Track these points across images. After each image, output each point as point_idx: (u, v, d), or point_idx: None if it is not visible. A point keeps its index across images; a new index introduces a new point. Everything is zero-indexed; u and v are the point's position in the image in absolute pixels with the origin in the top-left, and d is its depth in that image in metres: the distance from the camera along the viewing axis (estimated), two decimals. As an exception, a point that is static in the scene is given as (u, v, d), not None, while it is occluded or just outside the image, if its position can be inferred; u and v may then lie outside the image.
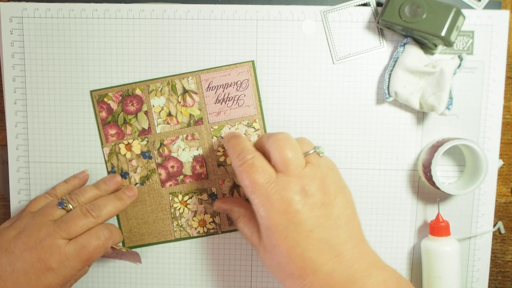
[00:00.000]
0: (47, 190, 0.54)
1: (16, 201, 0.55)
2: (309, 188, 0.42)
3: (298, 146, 0.44)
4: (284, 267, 0.42)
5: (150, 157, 0.54)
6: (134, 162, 0.54)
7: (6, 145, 0.55)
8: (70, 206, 0.50)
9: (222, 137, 0.53)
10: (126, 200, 0.52)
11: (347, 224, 0.43)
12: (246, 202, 0.50)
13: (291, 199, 0.42)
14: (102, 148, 0.54)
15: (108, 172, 0.54)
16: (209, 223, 0.55)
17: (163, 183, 0.54)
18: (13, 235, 0.47)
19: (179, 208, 0.55)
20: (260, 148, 0.46)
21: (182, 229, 0.55)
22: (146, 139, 0.54)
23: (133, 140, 0.54)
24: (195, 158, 0.54)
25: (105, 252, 0.50)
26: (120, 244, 0.55)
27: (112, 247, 0.52)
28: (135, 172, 0.54)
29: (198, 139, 0.54)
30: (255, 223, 0.46)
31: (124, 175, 0.54)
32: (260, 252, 0.45)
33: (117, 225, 0.55)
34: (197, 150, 0.54)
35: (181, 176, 0.54)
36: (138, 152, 0.54)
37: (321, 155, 0.45)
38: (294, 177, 0.42)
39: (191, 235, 0.55)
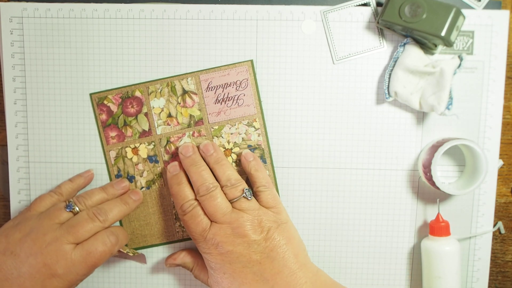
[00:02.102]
0: (47, 190, 0.54)
1: (16, 201, 0.55)
2: (238, 230, 0.47)
3: (221, 197, 0.48)
4: None
5: (156, 161, 0.54)
6: (140, 166, 0.54)
7: (6, 145, 0.55)
8: (77, 209, 0.50)
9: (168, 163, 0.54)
10: (132, 204, 0.53)
11: (280, 254, 0.47)
12: (195, 252, 0.53)
13: (223, 242, 0.47)
14: (107, 151, 0.54)
15: (115, 176, 0.54)
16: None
17: None
18: (19, 238, 0.47)
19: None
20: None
21: (184, 230, 0.55)
22: (153, 142, 0.54)
23: (140, 144, 0.54)
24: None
25: (111, 256, 0.50)
26: (127, 245, 0.55)
27: (118, 251, 0.51)
28: (141, 176, 0.54)
29: (205, 136, 0.54)
30: (206, 270, 0.51)
31: (130, 179, 0.54)
32: None
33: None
34: None
35: None
36: (145, 156, 0.54)
37: (249, 198, 0.49)
38: (223, 224, 0.47)
39: (191, 235, 0.55)
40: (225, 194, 0.49)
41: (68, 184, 0.53)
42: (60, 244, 0.46)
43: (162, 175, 0.54)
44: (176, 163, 0.52)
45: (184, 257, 0.53)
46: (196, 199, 0.49)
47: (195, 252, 0.53)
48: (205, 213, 0.49)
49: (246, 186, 0.50)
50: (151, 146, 0.54)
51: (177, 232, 0.55)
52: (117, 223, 0.55)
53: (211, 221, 0.48)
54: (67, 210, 0.49)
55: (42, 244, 0.46)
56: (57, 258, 0.46)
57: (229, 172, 0.50)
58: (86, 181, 0.54)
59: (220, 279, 0.48)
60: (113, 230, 0.50)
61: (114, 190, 0.53)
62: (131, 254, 0.53)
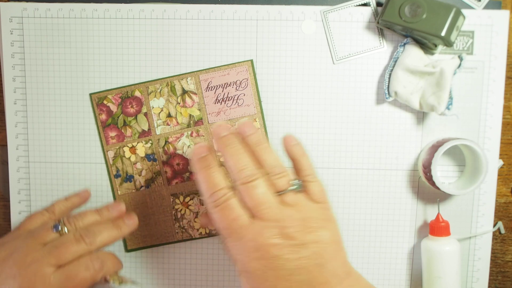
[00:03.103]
0: (47, 190, 0.54)
1: (16, 201, 0.55)
2: (286, 230, 0.39)
3: (266, 189, 0.40)
4: None
5: (154, 160, 0.54)
6: (138, 165, 0.54)
7: (6, 145, 0.55)
8: (66, 230, 0.47)
9: (187, 150, 0.50)
10: (124, 229, 0.49)
11: (330, 262, 0.40)
12: None
13: (268, 245, 0.39)
14: (106, 151, 0.54)
15: (113, 176, 0.54)
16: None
17: (169, 181, 0.54)
18: (2, 257, 0.45)
19: (181, 210, 0.55)
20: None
21: (184, 230, 0.55)
22: (151, 141, 0.54)
23: (138, 143, 0.54)
24: None
25: (95, 284, 0.47)
26: (116, 274, 0.50)
27: (104, 279, 0.47)
28: (140, 175, 0.54)
29: (203, 136, 0.54)
30: None
31: (129, 178, 0.54)
32: (243, 282, 0.42)
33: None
34: None
35: (187, 174, 0.54)
36: (143, 154, 0.54)
37: (299, 189, 0.42)
38: (269, 221, 0.39)
39: (193, 236, 0.55)
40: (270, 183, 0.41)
41: (62, 203, 0.51)
42: (41, 266, 0.43)
43: (161, 173, 0.54)
44: (203, 144, 0.45)
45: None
46: (230, 188, 0.41)
47: None
48: (242, 206, 0.40)
49: (292, 176, 0.42)
50: (149, 145, 0.54)
51: (176, 233, 0.55)
52: (110, 248, 0.53)
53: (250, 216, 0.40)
54: (54, 230, 0.46)
55: (22, 265, 0.43)
56: (35, 280, 0.43)
57: (273, 157, 0.42)
58: (81, 200, 0.52)
59: (260, 285, 0.40)
60: (100, 255, 0.46)
61: (109, 213, 0.50)
62: (116, 285, 0.49)
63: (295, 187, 0.41)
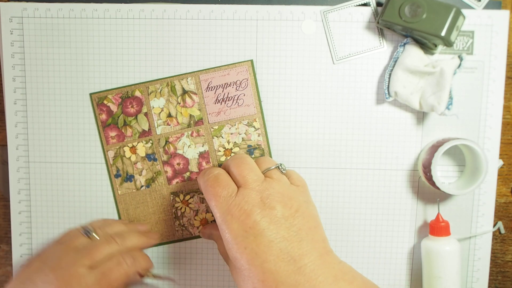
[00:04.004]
0: (47, 190, 0.54)
1: (16, 201, 0.55)
2: (268, 200, 0.43)
3: (254, 163, 0.46)
4: (247, 280, 0.41)
5: (155, 159, 0.54)
6: (139, 165, 0.54)
7: (6, 145, 0.55)
8: (95, 236, 0.49)
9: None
10: (151, 239, 0.52)
11: (309, 236, 0.42)
12: None
13: (250, 210, 0.42)
14: (106, 151, 0.54)
15: (114, 176, 0.54)
16: (211, 221, 0.55)
17: (169, 180, 0.54)
18: (38, 266, 0.46)
19: (181, 208, 0.55)
20: (226, 170, 0.48)
21: (184, 228, 0.55)
22: (151, 141, 0.54)
23: (138, 143, 0.54)
24: (201, 155, 0.54)
25: (131, 281, 0.49)
26: (151, 272, 0.53)
27: (140, 275, 0.49)
28: (140, 175, 0.54)
29: (204, 136, 0.54)
30: None
31: (130, 178, 0.54)
32: (231, 269, 0.45)
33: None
34: (202, 146, 0.54)
35: (188, 173, 0.54)
36: (143, 154, 0.54)
37: (283, 171, 0.47)
38: (252, 190, 0.43)
39: (193, 234, 0.55)
40: (258, 165, 0.46)
41: (100, 222, 0.53)
42: (75, 268, 0.45)
43: (161, 173, 0.54)
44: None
45: (212, 229, 0.51)
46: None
47: None
48: (231, 179, 0.45)
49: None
50: (149, 145, 0.54)
51: (176, 231, 0.55)
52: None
53: (237, 187, 0.44)
54: (84, 234, 0.48)
55: (57, 270, 0.45)
56: (71, 282, 0.44)
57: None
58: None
59: (239, 254, 0.42)
60: (131, 252, 0.49)
61: (133, 226, 0.53)
62: (151, 279, 0.50)
63: (280, 167, 0.46)
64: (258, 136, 0.54)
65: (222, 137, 0.54)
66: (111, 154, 0.54)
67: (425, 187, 0.54)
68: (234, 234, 0.42)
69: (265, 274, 0.40)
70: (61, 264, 0.45)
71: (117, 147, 0.54)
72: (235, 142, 0.54)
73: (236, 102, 0.53)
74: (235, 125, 0.53)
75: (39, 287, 0.45)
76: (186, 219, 0.55)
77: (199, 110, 0.53)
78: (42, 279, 0.45)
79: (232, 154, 0.54)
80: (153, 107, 0.53)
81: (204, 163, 0.54)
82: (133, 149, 0.54)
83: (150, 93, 0.53)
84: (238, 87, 0.53)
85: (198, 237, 0.55)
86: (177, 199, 0.55)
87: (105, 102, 0.54)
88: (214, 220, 0.54)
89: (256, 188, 0.44)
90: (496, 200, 0.55)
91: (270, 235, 0.41)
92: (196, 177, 0.54)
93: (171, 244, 0.55)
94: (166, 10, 0.52)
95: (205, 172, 0.47)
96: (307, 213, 0.44)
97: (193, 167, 0.54)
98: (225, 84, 0.53)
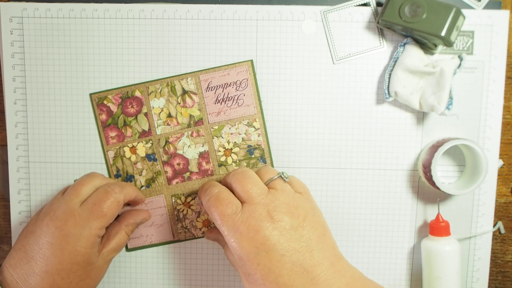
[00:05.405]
0: (47, 190, 0.54)
1: (16, 201, 0.55)
2: (275, 213, 0.43)
3: (256, 176, 0.46)
4: None
5: (155, 160, 0.54)
6: (139, 165, 0.54)
7: (6, 145, 0.55)
8: None
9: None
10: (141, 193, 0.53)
11: (319, 245, 0.43)
12: None
13: (258, 226, 0.42)
14: (106, 151, 0.54)
15: (114, 176, 0.54)
16: (213, 222, 0.55)
17: (169, 181, 0.54)
18: (35, 218, 0.48)
19: (183, 210, 0.55)
20: (226, 185, 0.48)
21: (186, 230, 0.55)
22: (151, 141, 0.54)
23: (138, 143, 0.54)
24: (201, 155, 0.54)
25: (120, 207, 0.49)
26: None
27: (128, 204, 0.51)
28: (140, 175, 0.54)
29: (203, 136, 0.54)
30: None
31: (130, 178, 0.54)
32: (242, 280, 0.45)
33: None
34: (202, 146, 0.54)
35: (188, 173, 0.54)
36: (143, 154, 0.54)
37: (286, 180, 0.46)
38: (258, 204, 0.43)
39: (196, 236, 0.55)
40: (260, 176, 0.46)
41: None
42: (66, 205, 0.46)
43: (161, 173, 0.54)
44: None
45: (218, 234, 0.51)
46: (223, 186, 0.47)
47: None
48: (234, 196, 0.45)
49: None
50: (149, 145, 0.54)
51: (179, 233, 0.55)
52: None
53: (241, 203, 0.44)
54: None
55: (51, 213, 0.47)
56: (65, 218, 0.46)
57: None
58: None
59: (253, 271, 0.42)
60: (117, 182, 0.50)
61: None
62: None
63: (283, 175, 0.46)
64: (258, 136, 0.54)
65: (222, 137, 0.54)
66: (111, 154, 0.54)
67: (425, 187, 0.54)
68: (245, 252, 0.42)
69: None
70: (53, 207, 0.47)
71: (117, 147, 0.54)
72: (235, 142, 0.54)
73: (236, 102, 0.53)
74: (235, 125, 0.53)
75: (39, 233, 0.46)
76: (188, 221, 0.55)
77: (199, 110, 0.53)
78: (40, 225, 0.47)
79: (232, 155, 0.54)
80: (153, 107, 0.53)
81: (204, 163, 0.54)
82: (133, 149, 0.54)
83: (150, 93, 0.53)
84: (238, 87, 0.53)
85: (201, 237, 0.55)
86: (178, 201, 0.55)
87: (105, 102, 0.54)
88: (197, 215, 0.54)
89: (262, 202, 0.43)
90: (496, 200, 0.55)
91: (281, 249, 0.41)
92: (196, 178, 0.54)
93: (171, 244, 0.55)
94: (166, 10, 0.52)
95: (206, 191, 0.46)
96: (315, 220, 0.44)
97: (193, 167, 0.54)
98: (225, 84, 0.53)
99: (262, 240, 0.42)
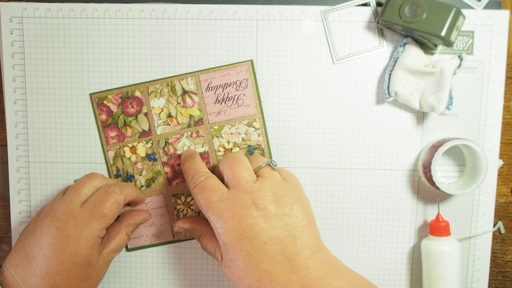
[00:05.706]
0: (47, 190, 0.54)
1: (16, 201, 0.55)
2: (260, 201, 0.43)
3: (247, 162, 0.46)
4: (243, 280, 0.43)
5: (155, 159, 0.54)
6: (139, 165, 0.54)
7: (6, 145, 0.55)
8: None
9: (179, 155, 0.54)
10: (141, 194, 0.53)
11: (302, 234, 0.44)
12: (206, 220, 0.50)
13: (243, 214, 0.43)
14: (106, 151, 0.54)
15: (114, 176, 0.54)
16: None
17: (169, 181, 0.54)
18: (35, 219, 0.48)
19: (182, 210, 0.55)
20: (218, 171, 0.48)
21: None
22: (151, 141, 0.54)
23: (138, 143, 0.54)
24: (201, 155, 0.54)
25: (120, 208, 0.49)
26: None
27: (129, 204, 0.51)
28: (140, 175, 0.54)
29: (203, 136, 0.54)
30: (216, 240, 0.47)
31: (130, 178, 0.54)
32: (222, 267, 0.46)
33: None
34: (202, 147, 0.54)
35: None
36: (143, 154, 0.54)
37: (274, 167, 0.47)
38: (244, 192, 0.44)
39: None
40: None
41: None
42: (66, 206, 0.47)
43: (161, 173, 0.54)
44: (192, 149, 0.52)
45: (193, 223, 0.51)
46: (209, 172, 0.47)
47: (206, 220, 0.50)
48: (220, 183, 0.46)
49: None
50: (149, 145, 0.54)
51: (179, 233, 0.55)
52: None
53: (229, 188, 0.45)
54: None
55: (52, 214, 0.47)
56: (66, 219, 0.46)
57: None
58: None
59: (235, 256, 0.43)
60: (116, 183, 0.50)
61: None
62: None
63: (271, 163, 0.46)
64: (258, 136, 0.54)
65: (222, 137, 0.54)
66: (111, 154, 0.54)
67: (425, 187, 0.54)
68: (229, 238, 0.43)
69: (260, 274, 0.42)
70: (53, 208, 0.47)
71: (117, 147, 0.54)
72: (235, 142, 0.54)
73: (236, 102, 0.53)
74: (235, 125, 0.53)
75: (39, 234, 0.46)
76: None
77: (199, 110, 0.53)
78: (40, 226, 0.47)
79: None
80: (153, 107, 0.53)
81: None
82: (133, 149, 0.54)
83: (150, 93, 0.53)
84: (238, 87, 0.53)
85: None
86: (178, 201, 0.55)
87: (105, 102, 0.54)
88: (197, 214, 0.54)
89: (248, 190, 0.44)
90: (496, 200, 0.55)
91: (264, 236, 0.43)
92: None
93: (171, 244, 0.55)
94: (166, 10, 0.52)
95: (192, 179, 0.47)
96: (301, 209, 0.45)
97: (193, 167, 0.54)
98: (225, 84, 0.53)
99: (246, 228, 0.43)
